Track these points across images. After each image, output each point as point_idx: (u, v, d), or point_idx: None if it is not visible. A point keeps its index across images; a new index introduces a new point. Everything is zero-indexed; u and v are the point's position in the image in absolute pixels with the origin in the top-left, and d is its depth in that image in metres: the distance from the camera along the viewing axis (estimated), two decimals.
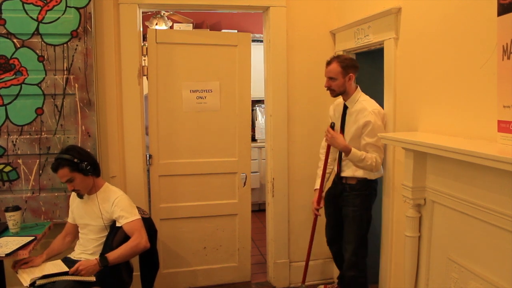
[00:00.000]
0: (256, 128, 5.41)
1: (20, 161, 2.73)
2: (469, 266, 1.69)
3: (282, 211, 3.24)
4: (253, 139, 5.16)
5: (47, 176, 2.75)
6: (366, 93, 2.61)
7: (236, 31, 5.17)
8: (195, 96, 3.16)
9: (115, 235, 2.32)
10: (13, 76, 2.67)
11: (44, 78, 2.71)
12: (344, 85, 2.52)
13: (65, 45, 2.72)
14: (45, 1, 2.66)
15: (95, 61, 2.80)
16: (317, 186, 2.74)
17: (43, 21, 2.68)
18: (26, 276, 2.16)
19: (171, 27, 5.20)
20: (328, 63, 2.56)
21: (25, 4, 2.64)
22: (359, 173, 2.53)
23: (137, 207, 2.43)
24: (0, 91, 2.66)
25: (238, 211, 3.31)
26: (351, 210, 2.56)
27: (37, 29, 2.67)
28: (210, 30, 5.35)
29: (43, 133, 2.75)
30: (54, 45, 2.71)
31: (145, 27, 4.01)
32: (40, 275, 2.13)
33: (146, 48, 3.03)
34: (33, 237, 2.37)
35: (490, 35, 1.57)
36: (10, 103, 2.69)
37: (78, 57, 2.74)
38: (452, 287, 1.79)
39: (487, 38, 1.62)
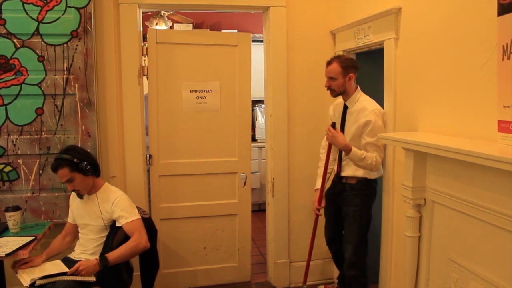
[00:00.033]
0: (256, 128, 5.41)
1: (20, 161, 2.73)
2: (469, 266, 1.69)
3: (282, 211, 3.24)
4: (253, 139, 5.16)
5: (47, 176, 2.75)
6: (366, 93, 2.61)
7: (236, 31, 5.17)
8: (195, 96, 3.16)
9: (115, 235, 2.32)
10: (13, 76, 2.67)
11: (44, 78, 2.71)
12: (344, 85, 2.53)
13: (65, 45, 2.72)
14: (45, 1, 2.66)
15: (95, 61, 2.80)
16: (318, 186, 2.74)
17: (43, 21, 2.68)
18: (26, 276, 2.16)
19: (171, 27, 5.20)
20: (329, 63, 2.56)
21: (25, 4, 2.64)
22: (359, 173, 2.54)
23: (137, 207, 2.43)
24: (0, 91, 2.66)
25: (238, 211, 3.31)
26: (352, 210, 2.57)
27: (37, 29, 2.67)
28: (210, 30, 5.35)
29: (43, 133, 2.75)
30: (54, 45, 2.71)
31: (145, 27, 4.01)
32: (40, 275, 2.13)
33: (146, 48, 3.03)
34: (33, 237, 2.37)
35: (490, 35, 1.57)
36: (10, 103, 2.69)
37: (78, 57, 2.74)
38: (452, 287, 1.79)
39: (487, 38, 1.62)
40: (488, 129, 1.61)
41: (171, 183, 3.17)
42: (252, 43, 3.26)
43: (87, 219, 2.38)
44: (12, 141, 2.71)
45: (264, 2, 3.09)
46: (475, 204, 1.62)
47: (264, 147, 3.71)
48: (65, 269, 2.18)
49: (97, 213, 2.33)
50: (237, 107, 3.24)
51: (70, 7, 2.69)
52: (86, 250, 2.37)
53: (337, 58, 2.58)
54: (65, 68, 2.73)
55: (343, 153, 2.56)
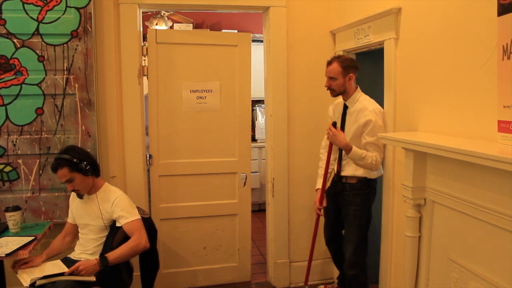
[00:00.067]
0: (256, 128, 5.41)
1: (20, 161, 2.73)
2: (469, 266, 1.69)
3: (282, 211, 3.24)
4: (253, 139, 5.16)
5: (47, 176, 2.75)
6: (366, 93, 2.61)
7: (236, 31, 5.17)
8: (195, 96, 3.16)
9: (115, 235, 2.32)
10: (13, 76, 2.67)
11: (44, 78, 2.71)
12: (344, 85, 2.53)
13: (65, 45, 2.72)
14: (45, 1, 2.66)
15: (95, 61, 2.80)
16: (319, 185, 2.74)
17: (43, 21, 2.68)
18: (26, 276, 2.16)
19: (171, 27, 5.20)
20: (329, 63, 2.57)
21: (25, 4, 2.64)
22: (359, 172, 2.54)
23: (137, 207, 2.43)
24: (0, 91, 2.66)
25: (238, 211, 3.31)
26: (352, 209, 2.57)
27: (37, 29, 2.67)
28: (210, 30, 5.35)
29: (43, 133, 2.75)
30: (54, 45, 2.71)
31: (145, 27, 4.01)
32: (40, 275, 2.13)
33: (146, 48, 3.03)
34: (33, 237, 2.37)
35: (490, 35, 1.57)
36: (10, 103, 2.69)
37: (78, 57, 2.74)
38: (452, 287, 1.79)
39: (487, 38, 1.62)
40: (488, 129, 1.61)
41: (171, 183, 3.17)
42: (252, 43, 3.26)
43: (87, 219, 2.38)
44: (12, 141, 2.71)
45: (264, 2, 3.09)
46: (475, 204, 1.62)
47: (264, 147, 3.71)
48: (65, 269, 2.18)
49: (97, 213, 2.33)
50: (237, 107, 3.24)
51: (70, 7, 2.69)
52: (86, 250, 2.37)
53: (337, 58, 2.58)
54: (65, 68, 2.73)
55: (343, 152, 2.57)
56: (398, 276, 2.41)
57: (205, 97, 3.18)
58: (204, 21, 5.46)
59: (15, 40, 2.65)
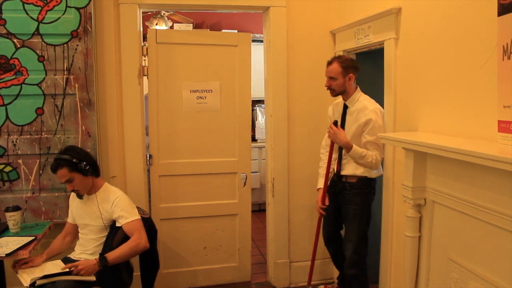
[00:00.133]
0: (256, 128, 5.41)
1: (20, 161, 2.73)
2: (469, 266, 1.69)
3: (282, 211, 3.24)
4: (253, 139, 5.16)
5: (47, 176, 2.75)
6: (366, 93, 2.62)
7: (236, 31, 5.17)
8: (195, 96, 3.16)
9: (115, 235, 2.32)
10: (13, 76, 2.67)
11: (44, 78, 2.71)
12: (344, 85, 2.54)
13: (65, 45, 2.72)
14: (45, 1, 2.66)
15: (95, 61, 2.80)
16: (320, 185, 2.74)
17: (43, 21, 2.68)
18: (26, 276, 2.16)
19: (171, 27, 5.20)
20: (329, 63, 2.58)
21: (25, 4, 2.64)
22: (360, 171, 2.54)
23: (137, 207, 2.43)
24: (0, 91, 2.66)
25: (238, 211, 3.31)
26: (352, 209, 2.58)
27: (37, 29, 2.67)
28: (210, 30, 5.35)
29: (43, 133, 2.75)
30: (54, 45, 2.71)
31: (145, 27, 4.01)
32: (40, 275, 2.13)
33: (146, 48, 3.03)
34: (33, 237, 2.37)
35: (490, 35, 1.57)
36: (10, 103, 2.69)
37: (78, 57, 2.74)
38: (452, 287, 1.79)
39: (487, 38, 1.62)
40: (488, 129, 1.61)
41: (171, 183, 3.17)
42: (252, 43, 3.26)
43: (87, 219, 2.38)
44: (12, 141, 2.71)
45: (264, 2, 3.09)
46: (475, 204, 1.62)
47: (264, 147, 3.71)
48: (65, 269, 2.18)
49: (97, 213, 2.33)
50: (237, 107, 3.24)
51: (70, 7, 2.69)
52: (86, 250, 2.37)
53: (337, 58, 2.59)
54: (65, 68, 2.73)
55: (344, 151, 2.57)
56: (398, 276, 2.41)
57: (205, 97, 3.18)
58: (204, 21, 5.46)
59: (15, 40, 2.65)
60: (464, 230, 1.72)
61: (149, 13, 4.92)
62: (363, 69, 2.71)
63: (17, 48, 2.66)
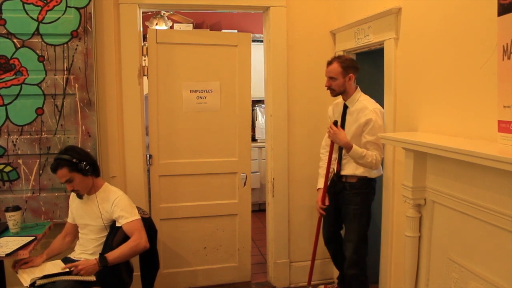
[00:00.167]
0: (256, 128, 5.41)
1: (20, 161, 2.73)
2: (469, 266, 1.69)
3: (282, 211, 3.24)
4: (253, 139, 5.16)
5: (47, 176, 2.75)
6: (366, 93, 2.62)
7: (236, 31, 5.17)
8: (195, 96, 3.16)
9: (115, 235, 2.32)
10: (14, 76, 2.67)
11: (44, 78, 2.71)
12: (344, 85, 2.54)
13: (65, 45, 2.72)
14: (45, 1, 2.66)
15: (95, 61, 2.80)
16: (320, 185, 2.74)
17: (43, 21, 2.68)
18: (26, 276, 2.16)
19: (171, 27, 5.20)
20: (329, 63, 2.58)
21: (25, 4, 2.64)
22: (360, 171, 2.55)
23: (137, 207, 2.43)
24: (0, 91, 2.66)
25: (238, 211, 3.31)
26: (352, 209, 2.58)
27: (37, 29, 2.67)
28: (210, 30, 5.35)
29: (43, 133, 2.75)
30: (54, 45, 2.71)
31: (145, 27, 4.01)
32: (40, 275, 2.13)
33: (146, 48, 3.03)
34: (33, 237, 2.37)
35: (490, 35, 1.57)
36: (10, 103, 2.69)
37: (78, 57, 2.74)
38: (452, 287, 1.79)
39: (487, 38, 1.62)
40: (488, 129, 1.61)
41: (171, 183, 3.17)
42: (252, 43, 3.26)
43: (87, 219, 2.38)
44: (12, 141, 2.71)
45: (264, 2, 3.09)
46: (475, 204, 1.62)
47: (264, 147, 3.71)
48: (65, 269, 2.18)
49: (97, 213, 2.33)
50: (237, 107, 3.24)
51: (70, 7, 2.69)
52: (86, 250, 2.37)
53: (337, 58, 2.59)
54: (65, 68, 2.73)
55: (344, 151, 2.57)
56: (398, 276, 2.41)
57: (205, 97, 3.18)
58: (204, 21, 5.46)
59: (15, 40, 2.65)
60: (464, 230, 1.72)
61: (149, 13, 4.92)
62: (363, 69, 2.71)
63: (17, 48, 2.66)
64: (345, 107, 2.62)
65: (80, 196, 2.35)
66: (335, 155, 2.73)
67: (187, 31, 4.77)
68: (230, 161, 3.26)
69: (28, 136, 2.73)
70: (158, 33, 3.09)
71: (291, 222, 3.27)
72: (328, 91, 2.62)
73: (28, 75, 2.69)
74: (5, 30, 2.63)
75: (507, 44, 1.45)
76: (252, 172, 3.78)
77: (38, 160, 2.75)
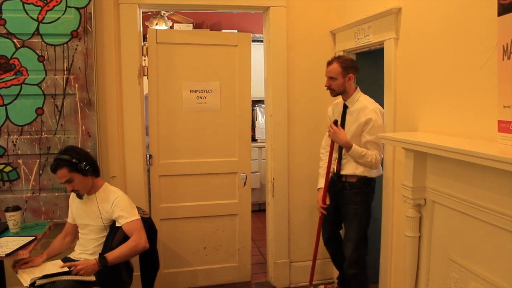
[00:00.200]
0: (256, 128, 5.41)
1: (20, 161, 2.73)
2: (469, 266, 1.69)
3: (282, 211, 3.24)
4: (253, 139, 5.17)
5: (47, 176, 2.75)
6: (366, 93, 2.62)
7: (236, 31, 5.17)
8: (195, 96, 3.16)
9: (114, 235, 2.32)
10: (13, 76, 2.67)
11: (44, 78, 2.71)
12: (344, 85, 2.54)
13: (65, 45, 2.72)
14: (45, 1, 2.66)
15: (95, 61, 2.80)
16: (321, 185, 2.74)
17: (43, 21, 2.68)
18: (26, 276, 2.16)
19: (171, 27, 5.20)
20: (329, 63, 2.58)
21: (25, 4, 2.64)
22: (360, 171, 2.55)
23: (137, 207, 2.43)
24: (0, 91, 2.66)
25: (238, 211, 3.31)
26: (352, 208, 2.58)
27: (37, 29, 2.67)
28: (210, 30, 5.36)
29: (43, 133, 2.75)
30: (54, 45, 2.71)
31: (145, 27, 4.01)
32: (40, 275, 2.13)
33: (146, 48, 3.03)
34: (33, 237, 2.37)
35: (490, 35, 1.57)
36: (10, 103, 2.69)
37: (78, 57, 2.74)
38: (452, 287, 1.79)
39: (487, 38, 1.62)
40: (488, 129, 1.61)
41: (171, 183, 3.17)
42: (252, 43, 3.26)
43: (87, 219, 2.38)
44: (12, 141, 2.71)
45: (264, 2, 3.09)
46: (475, 204, 1.62)
47: (264, 147, 3.71)
48: (65, 269, 2.18)
49: (97, 213, 2.33)
50: (237, 107, 3.24)
51: (70, 7, 2.69)
52: (86, 250, 2.37)
53: (337, 58, 2.60)
54: (65, 68, 2.73)
55: (344, 150, 2.57)
56: (398, 276, 2.41)
57: (205, 97, 3.18)
58: (204, 21, 5.46)
59: (15, 40, 2.65)
60: (464, 230, 1.72)
61: (149, 13, 4.92)
62: (363, 69, 2.72)
63: (17, 48, 2.66)
64: (345, 107, 2.63)
65: (80, 196, 2.35)
66: (335, 155, 2.73)
67: (187, 31, 4.77)
68: (230, 161, 3.26)
69: (28, 136, 2.73)
70: (158, 33, 3.09)
71: (291, 222, 3.27)
72: (328, 91, 2.62)
73: (28, 75, 2.69)
74: (5, 30, 2.63)
75: (507, 44, 1.45)
76: (252, 172, 3.78)
77: (38, 160, 2.75)
